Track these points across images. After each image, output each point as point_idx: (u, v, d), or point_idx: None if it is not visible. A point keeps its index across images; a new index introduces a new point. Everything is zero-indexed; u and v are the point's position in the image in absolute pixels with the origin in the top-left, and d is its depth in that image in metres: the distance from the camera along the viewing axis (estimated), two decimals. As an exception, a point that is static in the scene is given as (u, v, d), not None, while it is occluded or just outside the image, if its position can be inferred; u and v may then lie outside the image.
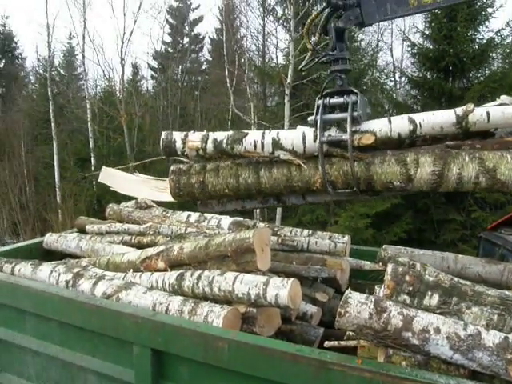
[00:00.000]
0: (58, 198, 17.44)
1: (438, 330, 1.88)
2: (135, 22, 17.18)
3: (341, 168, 2.73)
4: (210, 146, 3.03)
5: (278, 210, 12.84)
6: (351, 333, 2.23)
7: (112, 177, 3.79)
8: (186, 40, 26.70)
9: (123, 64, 17.30)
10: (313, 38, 2.96)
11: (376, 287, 2.64)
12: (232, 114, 17.24)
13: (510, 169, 2.40)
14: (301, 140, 2.82)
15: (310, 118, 2.85)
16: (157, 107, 22.05)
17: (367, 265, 3.60)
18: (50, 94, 18.78)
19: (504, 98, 2.83)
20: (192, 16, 27.34)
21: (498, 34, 13.09)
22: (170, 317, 2.43)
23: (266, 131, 2.99)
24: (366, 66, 15.78)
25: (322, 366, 1.88)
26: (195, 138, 3.09)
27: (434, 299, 2.10)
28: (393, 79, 19.46)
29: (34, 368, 2.91)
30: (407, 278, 2.13)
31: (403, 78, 16.47)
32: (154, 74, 27.08)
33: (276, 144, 2.87)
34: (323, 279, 3.33)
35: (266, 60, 16.75)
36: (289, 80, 13.09)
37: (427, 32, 13.66)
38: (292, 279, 2.35)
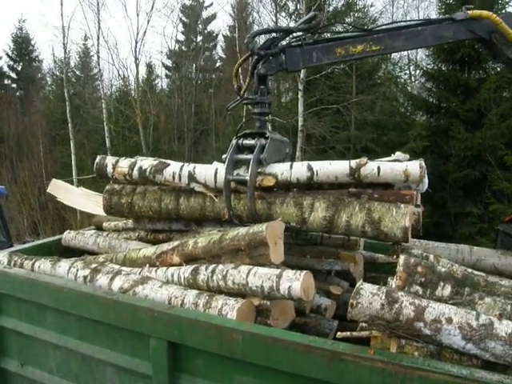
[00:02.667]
0: (76, 198, 17.64)
1: (450, 320, 1.88)
2: (148, 21, 17.41)
3: (246, 204, 2.96)
4: (135, 173, 3.34)
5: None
6: (364, 324, 2.25)
7: (59, 188, 4.19)
8: (199, 38, 26.81)
9: (137, 63, 17.53)
10: (247, 81, 3.21)
11: (389, 279, 2.65)
12: (246, 111, 17.26)
13: (393, 222, 2.55)
14: (213, 175, 3.07)
15: (223, 156, 3.08)
16: (171, 105, 22.20)
17: (381, 257, 3.59)
18: (66, 94, 19.05)
19: (398, 154, 3.10)
20: (205, 14, 27.43)
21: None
22: (186, 310, 2.46)
23: (185, 164, 3.23)
24: (380, 59, 15.64)
25: (334, 356, 1.89)
26: (124, 164, 3.42)
27: (446, 290, 2.10)
28: (407, 72, 19.25)
29: (55, 361, 2.98)
30: (419, 268, 2.13)
31: (418, 71, 16.32)
32: (168, 73, 27.26)
33: (191, 177, 3.12)
34: (337, 272, 3.34)
35: (279, 56, 16.68)
36: (302, 76, 13.06)
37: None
38: (305, 271, 2.36)
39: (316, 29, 3.13)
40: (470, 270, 2.25)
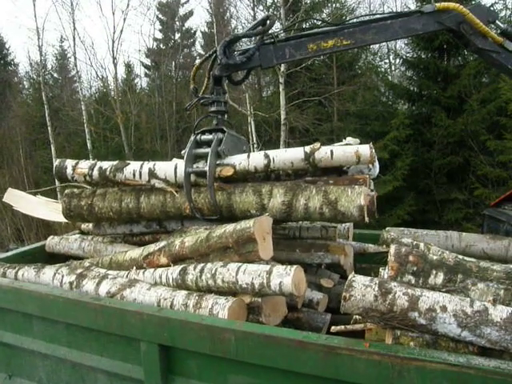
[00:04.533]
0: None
1: (444, 308, 1.86)
2: (124, 20, 17.20)
3: (206, 197, 3.04)
4: (95, 173, 3.38)
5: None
6: (358, 317, 2.22)
7: (16, 197, 4.15)
8: (177, 35, 26.58)
9: (116, 63, 17.29)
10: (205, 82, 3.37)
11: (380, 269, 2.64)
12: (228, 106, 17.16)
13: (349, 201, 2.66)
14: (173, 171, 3.14)
15: (183, 152, 3.19)
16: (152, 104, 22.02)
17: (371, 247, 3.59)
18: (44, 98, 18.76)
19: (349, 139, 3.32)
20: (182, 11, 27.17)
21: (492, 8, 12.96)
22: (175, 311, 2.41)
23: (145, 162, 3.31)
24: (359, 50, 15.67)
25: (329, 351, 1.87)
26: (84, 165, 3.44)
27: (439, 278, 2.08)
28: (387, 61, 19.33)
29: (44, 371, 2.91)
30: (411, 258, 2.11)
31: (398, 60, 16.37)
32: (147, 72, 27.02)
33: (152, 173, 3.19)
34: (328, 265, 3.32)
35: (259, 50, 16.63)
36: (282, 69, 13.02)
37: (419, 11, 13.51)
38: (295, 266, 2.33)
39: (267, 30, 3.23)
40: (461, 257, 2.23)
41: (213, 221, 3.16)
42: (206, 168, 3.00)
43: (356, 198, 2.65)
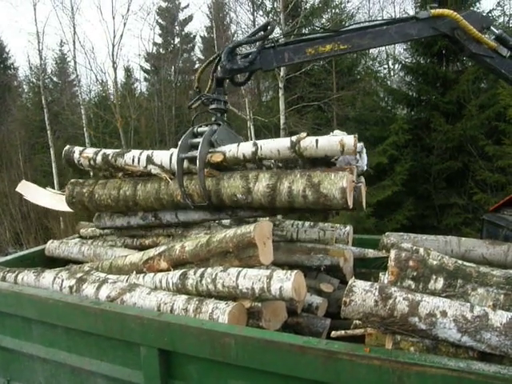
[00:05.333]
0: (58, 206, 17.38)
1: (444, 314, 1.86)
2: (125, 24, 17.18)
3: (197, 183, 3.13)
4: (99, 157, 3.60)
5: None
6: (358, 322, 2.22)
7: (28, 188, 4.56)
8: (177, 40, 26.62)
9: (115, 67, 17.29)
10: (209, 83, 3.53)
11: (380, 274, 2.64)
12: (228, 107, 17.18)
13: (331, 184, 2.71)
14: (168, 158, 3.30)
15: (179, 142, 3.29)
16: (152, 109, 22.02)
17: (371, 253, 3.59)
18: (44, 102, 18.76)
19: (337, 131, 3.41)
20: (181, 16, 27.22)
21: (490, 14, 13.03)
22: (176, 316, 2.42)
23: (145, 150, 3.51)
24: (359, 55, 15.69)
25: (330, 356, 1.87)
26: (89, 151, 3.72)
27: (439, 283, 2.09)
28: (386, 66, 19.38)
29: (44, 375, 2.91)
30: (411, 263, 2.11)
31: (397, 65, 16.40)
32: (147, 76, 27.03)
33: (149, 159, 3.38)
34: (327, 270, 3.33)
35: (258, 55, 16.65)
36: (282, 74, 13.04)
37: (418, 17, 13.54)
38: (295, 271, 2.34)
39: (267, 36, 3.39)
40: (461, 262, 2.23)
41: (202, 208, 3.27)
42: (197, 154, 3.10)
43: (339, 181, 2.69)
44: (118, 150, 3.60)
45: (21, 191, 4.49)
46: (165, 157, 3.32)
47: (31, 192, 4.54)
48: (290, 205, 2.93)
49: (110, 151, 3.60)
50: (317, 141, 2.88)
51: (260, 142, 3.08)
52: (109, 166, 3.58)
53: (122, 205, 3.52)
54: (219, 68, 3.39)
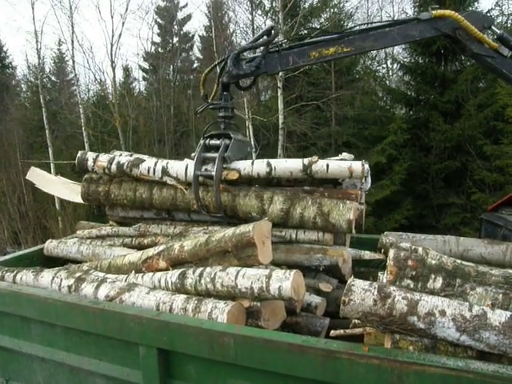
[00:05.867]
0: (57, 205, 17.40)
1: (443, 313, 1.87)
2: (123, 23, 17.15)
3: (213, 196, 3.31)
4: (113, 167, 3.65)
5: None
6: (357, 321, 2.22)
7: (38, 176, 4.41)
8: (175, 39, 26.58)
9: (114, 67, 17.24)
10: (214, 88, 3.60)
11: (379, 274, 2.64)
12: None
13: (339, 215, 2.99)
14: (183, 170, 3.41)
15: (193, 154, 3.46)
16: (150, 108, 22.00)
17: (367, 254, 3.60)
18: (42, 101, 18.71)
19: (345, 154, 3.59)
20: (180, 15, 27.18)
21: (488, 14, 13.03)
22: (175, 315, 2.41)
23: (159, 160, 3.59)
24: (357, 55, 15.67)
25: (329, 355, 1.87)
26: (103, 159, 3.72)
27: (437, 282, 2.09)
28: (385, 66, 19.39)
29: (42, 375, 2.90)
30: (410, 262, 2.12)
31: (395, 65, 16.42)
32: (145, 75, 27.00)
33: (164, 171, 3.48)
34: (326, 270, 3.32)
35: (257, 54, 16.64)
36: (281, 73, 13.02)
37: (417, 17, 13.55)
38: (294, 270, 2.34)
39: (271, 40, 3.44)
40: (459, 261, 2.24)
41: (218, 218, 3.45)
42: (213, 172, 3.26)
43: (346, 213, 2.98)
44: (131, 159, 3.64)
45: (31, 179, 4.37)
46: (180, 169, 3.44)
47: (42, 180, 4.42)
48: (300, 227, 3.20)
49: (124, 159, 3.65)
50: (327, 165, 3.13)
51: (273, 163, 3.26)
52: (123, 174, 3.66)
53: (138, 206, 3.71)
54: (225, 73, 3.44)
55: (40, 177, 4.42)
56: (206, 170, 3.37)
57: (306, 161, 3.18)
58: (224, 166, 3.32)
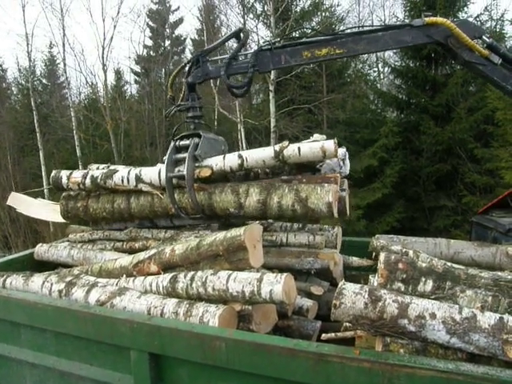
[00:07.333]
0: (48, 209, 17.23)
1: (433, 316, 1.88)
2: (115, 26, 17.22)
3: (189, 197, 3.25)
4: (88, 181, 3.63)
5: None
6: (348, 324, 2.23)
7: (19, 201, 4.47)
8: (167, 42, 26.57)
9: (105, 70, 17.23)
10: (182, 90, 3.58)
11: (370, 277, 2.65)
12: (218, 114, 17.20)
13: (318, 198, 2.88)
14: (157, 175, 3.38)
15: (164, 158, 3.39)
16: (142, 111, 21.96)
17: (355, 261, 3.63)
18: (33, 104, 18.64)
19: (316, 136, 3.41)
20: (172, 18, 27.21)
21: (477, 19, 13.18)
22: (166, 320, 2.40)
23: (132, 168, 3.56)
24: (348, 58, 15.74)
25: (320, 358, 1.87)
26: (77, 175, 3.70)
27: (428, 285, 2.10)
28: (376, 69, 19.49)
29: (32, 380, 2.87)
30: (400, 265, 2.12)
31: (386, 68, 16.51)
32: (137, 79, 26.94)
33: (138, 179, 3.45)
34: (317, 273, 3.33)
35: (249, 58, 16.66)
36: (272, 76, 13.07)
37: (407, 21, 13.67)
38: (285, 274, 2.34)
39: (244, 44, 3.54)
40: (449, 264, 2.25)
41: (197, 219, 3.40)
42: (185, 172, 3.19)
43: (325, 196, 2.86)
44: (105, 171, 3.61)
45: (12, 204, 4.40)
46: (153, 174, 3.40)
47: (23, 204, 4.47)
48: (280, 217, 3.11)
49: (97, 172, 3.62)
50: (299, 148, 3.03)
51: (245, 154, 3.19)
52: (99, 187, 3.63)
53: (117, 217, 3.65)
54: (192, 74, 3.48)
55: (21, 201, 4.50)
56: (178, 171, 3.29)
57: (277, 147, 3.10)
58: (196, 164, 3.25)
